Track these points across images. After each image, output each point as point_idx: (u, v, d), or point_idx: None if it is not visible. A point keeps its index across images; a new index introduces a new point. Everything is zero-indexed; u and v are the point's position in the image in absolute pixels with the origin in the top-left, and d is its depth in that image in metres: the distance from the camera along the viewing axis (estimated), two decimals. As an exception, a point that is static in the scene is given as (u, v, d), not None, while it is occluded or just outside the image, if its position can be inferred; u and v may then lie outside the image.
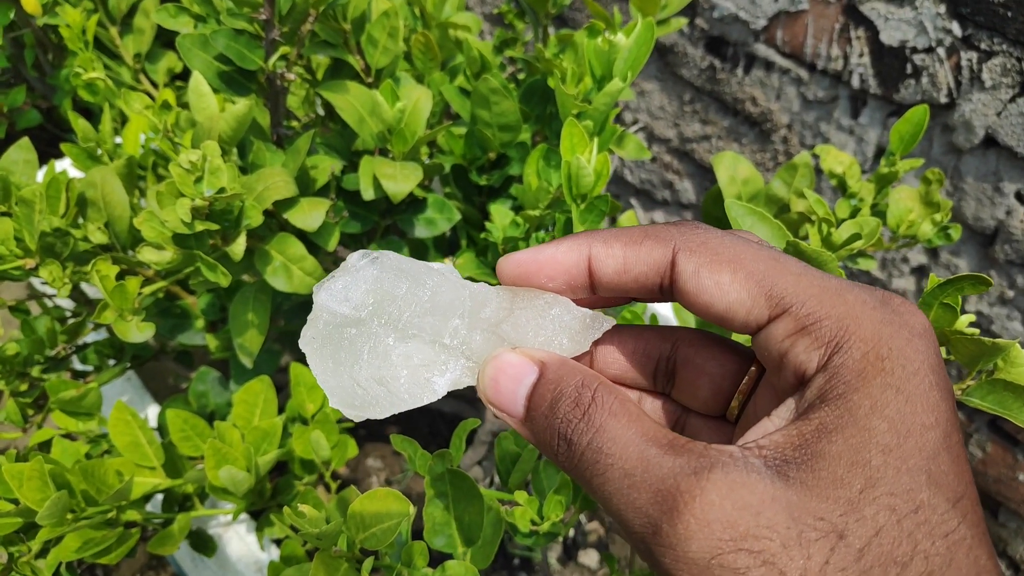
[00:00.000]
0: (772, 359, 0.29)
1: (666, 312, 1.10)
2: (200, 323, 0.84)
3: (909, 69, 1.02)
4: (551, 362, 0.31)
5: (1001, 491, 1.14)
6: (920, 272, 1.15)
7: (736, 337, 0.49)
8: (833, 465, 0.26)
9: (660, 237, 0.31)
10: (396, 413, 0.33)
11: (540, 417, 0.30)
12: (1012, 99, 0.95)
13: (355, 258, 0.34)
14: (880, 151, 1.12)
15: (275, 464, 0.83)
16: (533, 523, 0.52)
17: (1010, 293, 1.05)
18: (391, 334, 0.33)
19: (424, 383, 0.33)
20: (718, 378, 0.34)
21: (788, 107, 1.19)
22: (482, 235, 0.67)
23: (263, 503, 0.82)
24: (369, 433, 1.24)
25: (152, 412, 0.97)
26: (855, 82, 1.08)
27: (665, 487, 0.26)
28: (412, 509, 0.42)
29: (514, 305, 0.33)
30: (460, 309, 0.33)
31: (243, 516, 0.88)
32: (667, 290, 0.32)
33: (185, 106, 0.75)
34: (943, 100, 1.00)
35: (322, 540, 0.41)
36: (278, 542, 0.89)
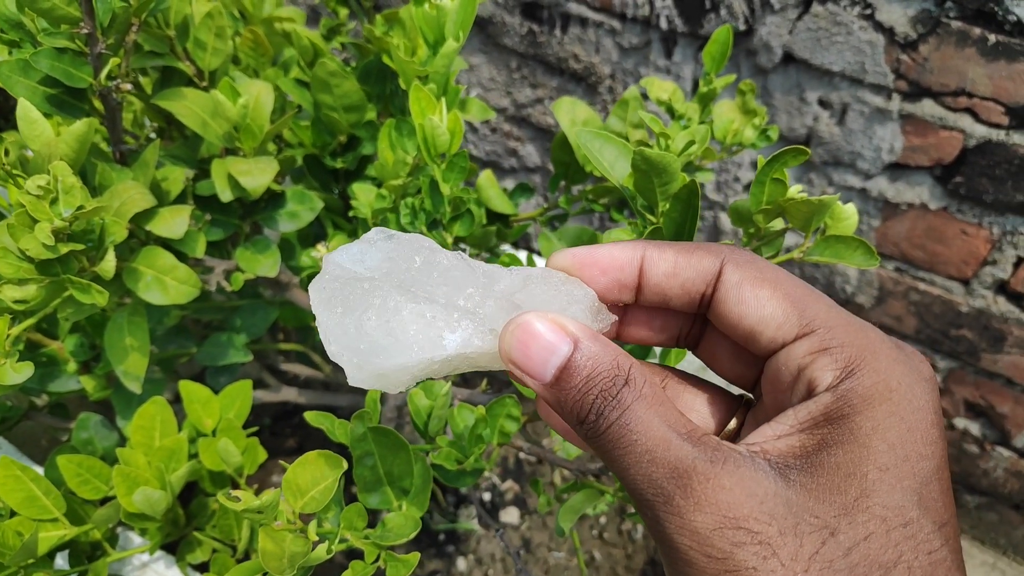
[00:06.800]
0: (787, 374, 0.32)
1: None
2: (71, 366, 0.80)
3: (708, 4, 1.11)
4: (585, 337, 0.32)
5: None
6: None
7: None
8: (831, 474, 0.28)
9: (711, 250, 0.34)
10: (403, 364, 0.32)
11: (572, 389, 0.31)
12: (799, 17, 1.06)
13: (373, 233, 0.35)
14: (696, 84, 1.21)
15: (184, 490, 0.81)
16: (458, 462, 0.54)
17: (830, 190, 1.17)
18: (404, 295, 0.33)
19: (435, 337, 0.33)
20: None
21: (608, 58, 1.26)
22: (351, 213, 0.69)
23: (179, 532, 0.80)
24: (271, 451, 1.21)
25: (35, 474, 0.91)
26: (663, 24, 1.16)
27: (683, 466, 0.29)
28: (344, 465, 0.43)
29: (528, 282, 0.34)
30: (474, 283, 0.34)
31: (159, 553, 0.85)
32: (707, 301, 0.34)
33: None
34: (742, 27, 1.09)
35: (263, 513, 0.42)
36: (200, 569, 0.87)
